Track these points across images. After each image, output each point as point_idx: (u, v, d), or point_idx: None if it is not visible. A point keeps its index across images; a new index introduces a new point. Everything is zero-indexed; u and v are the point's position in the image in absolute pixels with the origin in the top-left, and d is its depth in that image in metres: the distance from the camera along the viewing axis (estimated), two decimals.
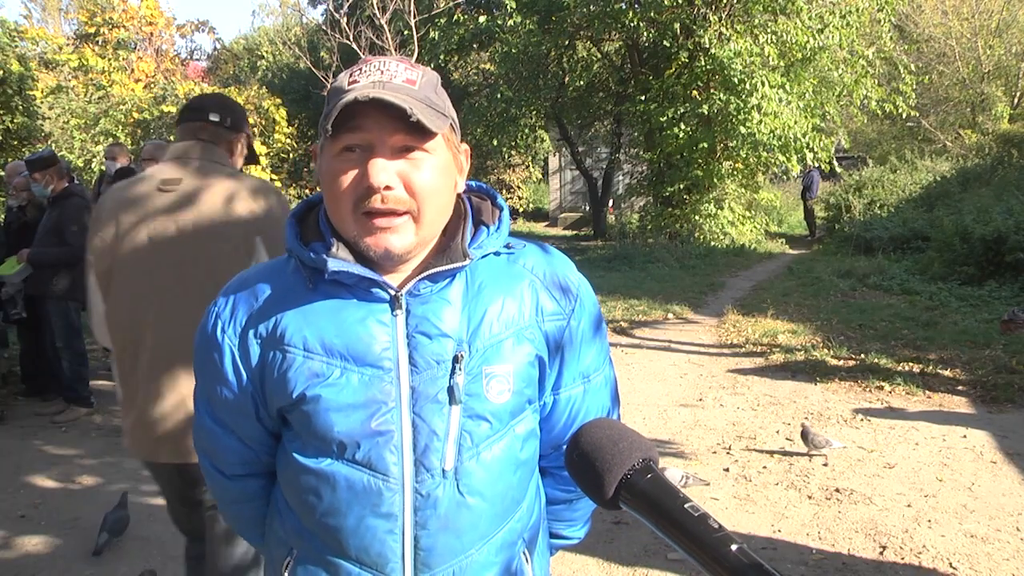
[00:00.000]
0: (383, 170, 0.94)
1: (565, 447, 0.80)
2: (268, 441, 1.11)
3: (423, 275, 1.00)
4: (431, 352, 1.00)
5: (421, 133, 0.95)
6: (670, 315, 8.31)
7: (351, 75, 0.98)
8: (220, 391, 1.07)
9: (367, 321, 1.00)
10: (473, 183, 1.11)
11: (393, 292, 1.00)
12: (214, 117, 2.07)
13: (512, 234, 1.12)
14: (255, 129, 15.00)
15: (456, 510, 1.02)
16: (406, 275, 1.02)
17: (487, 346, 1.02)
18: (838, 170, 14.98)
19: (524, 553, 1.11)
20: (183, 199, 1.96)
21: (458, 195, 1.07)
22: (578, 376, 1.12)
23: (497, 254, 1.08)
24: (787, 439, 4.49)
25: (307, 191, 17.83)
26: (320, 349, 1.00)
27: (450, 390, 1.00)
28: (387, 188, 0.95)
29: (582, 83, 17.36)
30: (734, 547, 0.66)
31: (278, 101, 15.99)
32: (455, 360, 1.00)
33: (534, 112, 17.40)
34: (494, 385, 1.02)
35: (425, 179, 0.97)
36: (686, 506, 0.70)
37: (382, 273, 1.00)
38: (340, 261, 0.98)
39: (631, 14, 13.69)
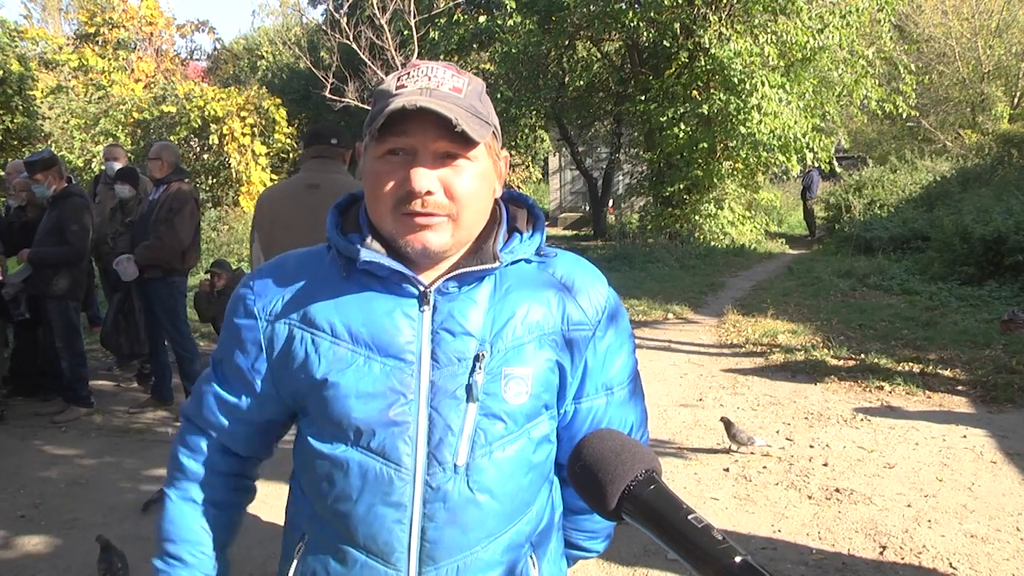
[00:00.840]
0: (424, 176, 0.98)
1: (568, 458, 0.79)
2: (257, 424, 1.14)
3: (453, 274, 1.03)
4: (453, 349, 1.02)
5: (464, 141, 0.98)
6: (670, 315, 8.31)
7: (399, 79, 1.01)
8: (235, 357, 1.10)
9: (394, 313, 1.03)
10: (513, 191, 1.15)
11: (423, 288, 1.03)
12: (333, 141, 3.08)
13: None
14: (255, 129, 15.00)
15: (465, 505, 1.03)
16: (437, 273, 1.05)
17: (508, 348, 1.04)
18: (838, 170, 14.98)
19: (531, 557, 1.12)
20: (322, 195, 2.89)
21: (495, 200, 1.10)
22: (600, 387, 1.13)
23: (528, 261, 1.10)
24: (787, 439, 4.49)
25: None
26: (347, 336, 1.03)
27: (468, 387, 1.02)
28: (428, 193, 0.98)
29: (582, 83, 17.36)
30: (738, 559, 0.65)
31: (278, 101, 15.96)
32: (476, 359, 1.02)
33: (534, 112, 17.39)
34: (512, 386, 1.04)
35: (465, 185, 1.00)
36: (689, 518, 0.69)
37: (414, 270, 1.03)
38: (372, 252, 1.02)
39: (631, 14, 13.68)
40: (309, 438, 1.06)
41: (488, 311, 1.04)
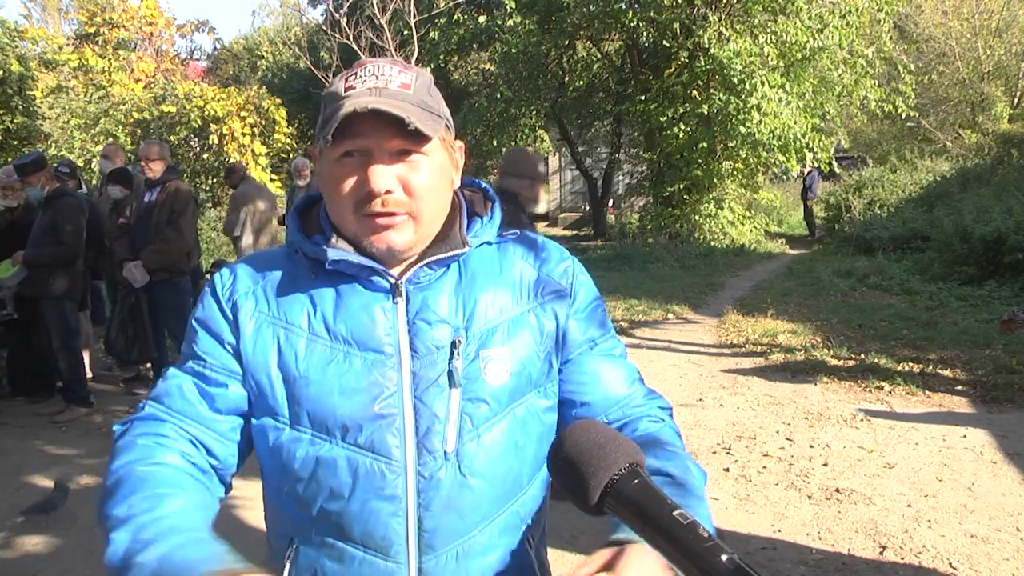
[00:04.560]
0: (383, 175, 0.98)
1: (548, 451, 0.78)
2: (226, 418, 1.06)
3: (423, 263, 1.04)
4: (430, 338, 1.03)
5: (418, 137, 0.98)
6: (670, 315, 8.31)
7: (347, 80, 1.00)
8: (206, 352, 1.06)
9: (370, 308, 1.04)
10: (466, 179, 1.15)
11: (393, 280, 1.04)
12: None
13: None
14: (255, 129, 14.99)
15: (458, 491, 1.03)
16: (406, 265, 1.06)
17: (483, 331, 1.05)
18: (838, 170, 14.97)
19: (529, 539, 1.12)
20: None
21: (453, 190, 1.11)
22: (585, 343, 1.12)
23: (489, 244, 1.12)
24: (787, 439, 4.49)
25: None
26: (324, 333, 1.03)
27: (450, 374, 1.03)
28: (387, 192, 0.99)
29: (582, 83, 17.36)
30: (724, 557, 0.63)
31: (278, 101, 15.97)
32: (453, 345, 1.03)
33: (534, 112, 17.38)
34: (491, 368, 1.04)
35: (422, 181, 1.01)
36: (675, 513, 0.67)
37: (382, 264, 1.04)
38: (339, 251, 1.02)
39: (631, 14, 13.68)
40: (287, 441, 1.03)
41: (458, 297, 1.06)
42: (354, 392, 1.01)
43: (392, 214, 1.00)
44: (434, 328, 1.03)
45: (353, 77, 1.00)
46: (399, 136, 0.97)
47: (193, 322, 1.09)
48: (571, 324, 1.12)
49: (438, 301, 1.05)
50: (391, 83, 0.99)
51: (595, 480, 0.72)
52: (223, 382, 1.05)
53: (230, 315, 1.06)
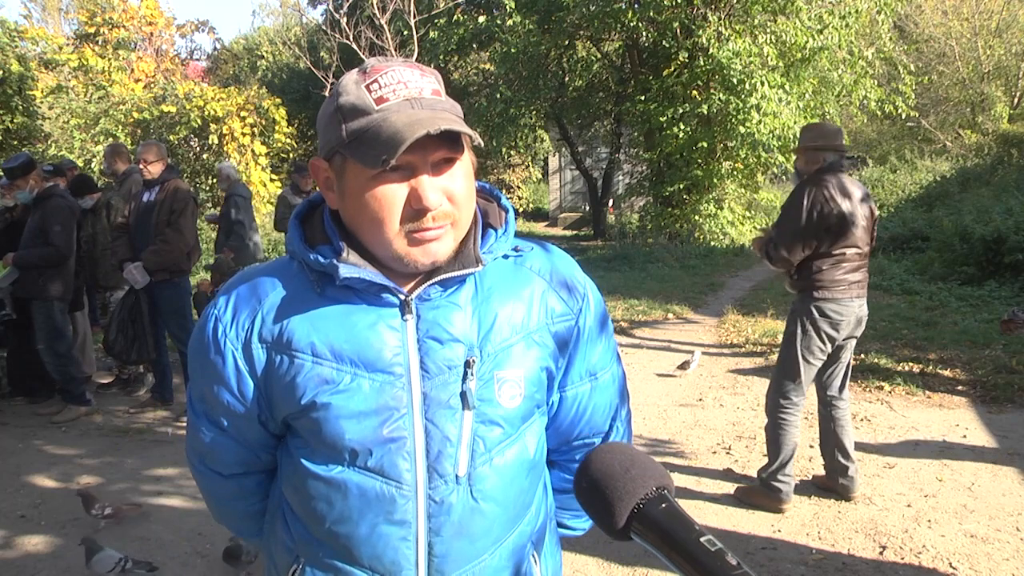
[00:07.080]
0: (434, 191, 0.94)
1: (574, 473, 0.77)
2: (269, 442, 1.09)
3: (435, 280, 0.99)
4: (442, 357, 0.99)
5: (456, 145, 0.95)
6: (670, 315, 8.31)
7: (370, 91, 0.93)
8: (220, 395, 1.03)
9: (377, 326, 0.98)
10: (477, 183, 1.09)
11: (403, 297, 0.99)
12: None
13: (515, 235, 1.11)
14: (255, 129, 14.99)
15: (470, 516, 1.01)
16: (416, 280, 1.01)
17: (498, 351, 1.01)
18: None
19: (533, 555, 1.11)
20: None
21: None
22: (585, 374, 1.11)
23: (505, 257, 1.07)
24: None
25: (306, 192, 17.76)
26: (330, 355, 0.98)
27: (463, 395, 0.99)
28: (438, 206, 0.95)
29: (582, 83, 17.38)
30: None
31: (278, 101, 15.96)
32: (467, 365, 0.99)
33: (534, 112, 17.40)
34: (506, 390, 1.01)
35: (461, 187, 0.97)
36: (702, 540, 0.66)
37: (392, 278, 0.99)
38: (352, 267, 0.96)
39: (631, 14, 13.70)
40: (302, 460, 1.01)
41: (473, 315, 1.01)
42: (363, 415, 0.97)
43: (439, 227, 0.95)
44: (446, 347, 0.99)
45: (378, 87, 0.93)
46: (443, 147, 0.93)
47: (194, 360, 1.06)
48: (577, 352, 1.09)
49: (451, 318, 0.99)
50: (424, 91, 0.94)
51: (621, 504, 0.71)
52: (237, 429, 1.06)
53: (233, 355, 1.01)
